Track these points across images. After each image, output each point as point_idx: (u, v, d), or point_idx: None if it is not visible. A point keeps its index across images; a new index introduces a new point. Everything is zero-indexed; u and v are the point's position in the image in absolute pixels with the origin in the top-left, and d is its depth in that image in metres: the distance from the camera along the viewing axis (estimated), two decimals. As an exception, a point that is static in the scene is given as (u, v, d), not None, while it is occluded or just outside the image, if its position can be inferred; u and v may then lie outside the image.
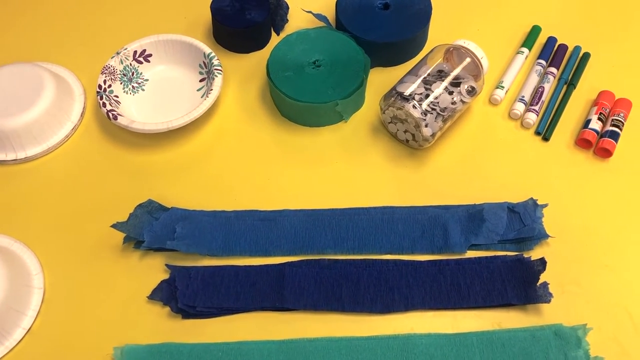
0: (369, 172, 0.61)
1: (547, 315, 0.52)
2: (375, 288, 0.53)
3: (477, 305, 0.52)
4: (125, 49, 0.66)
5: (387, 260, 0.54)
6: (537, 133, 0.64)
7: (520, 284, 0.52)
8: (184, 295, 0.52)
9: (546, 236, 0.55)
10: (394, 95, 0.61)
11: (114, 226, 0.55)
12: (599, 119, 0.63)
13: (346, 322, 0.51)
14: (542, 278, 0.52)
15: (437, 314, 0.52)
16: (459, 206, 0.57)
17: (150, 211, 0.57)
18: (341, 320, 0.51)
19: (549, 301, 0.51)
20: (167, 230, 0.55)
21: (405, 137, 0.62)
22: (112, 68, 0.65)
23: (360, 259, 0.54)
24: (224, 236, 0.55)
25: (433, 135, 0.60)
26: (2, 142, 0.61)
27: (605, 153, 0.61)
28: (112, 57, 0.65)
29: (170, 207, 0.57)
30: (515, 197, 0.58)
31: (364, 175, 0.60)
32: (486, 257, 0.54)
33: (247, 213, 0.57)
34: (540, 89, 0.66)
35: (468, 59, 0.62)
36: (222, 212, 0.57)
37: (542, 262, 0.52)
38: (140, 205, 0.56)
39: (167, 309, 0.52)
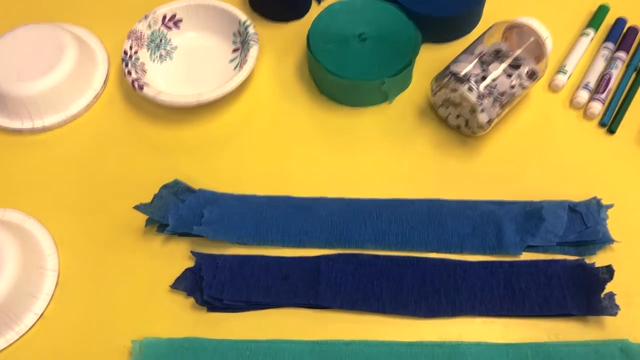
0: (414, 159, 0.56)
1: (611, 328, 0.47)
2: (419, 289, 0.49)
3: (533, 314, 0.48)
4: (154, 12, 0.61)
5: (434, 259, 0.50)
6: (602, 124, 0.58)
7: (582, 292, 0.48)
8: (210, 286, 0.48)
9: (611, 240, 0.50)
10: (448, 76, 0.55)
11: (137, 207, 0.51)
12: (674, 112, 0.57)
13: (386, 325, 0.48)
14: (607, 287, 0.47)
15: (487, 320, 0.48)
16: (514, 202, 0.53)
17: (176, 192, 0.53)
18: (381, 323, 0.48)
19: (615, 314, 0.46)
20: (194, 214, 0.51)
21: (457, 122, 0.57)
22: (139, 33, 0.60)
23: (403, 256, 0.50)
24: (254, 223, 0.52)
25: (489, 122, 0.54)
26: (19, 108, 0.57)
27: (680, 150, 0.56)
28: (139, 21, 0.61)
29: (197, 188, 0.53)
30: (577, 195, 0.53)
31: (409, 162, 0.56)
32: (544, 261, 0.50)
33: (281, 199, 0.53)
34: (606, 76, 0.60)
35: (532, 39, 0.56)
36: (253, 196, 0.53)
37: (609, 270, 0.47)
38: (165, 186, 0.52)
39: (191, 300, 0.49)
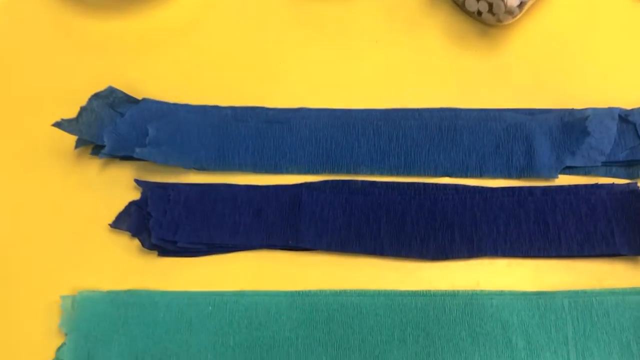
0: (422, 57, 0.47)
1: (670, 272, 0.40)
2: (427, 224, 0.41)
3: (571, 254, 0.40)
4: None
5: (446, 186, 0.43)
6: (663, 9, 0.48)
7: (635, 226, 0.40)
8: (160, 224, 0.41)
9: (672, 159, 0.43)
10: (468, -57, 0.43)
11: (57, 125, 0.42)
12: None
13: (385, 271, 0.41)
14: (667, 220, 0.40)
15: (513, 262, 0.41)
16: (549, 111, 0.45)
17: (111, 104, 0.44)
18: (378, 268, 0.41)
19: (677, 254, 0.39)
20: (137, 132, 0.43)
21: (478, 7, 0.46)
22: None
23: (408, 183, 0.43)
24: (217, 143, 0.44)
25: (520, 5, 0.44)
26: None
27: None
28: None
29: (140, 98, 0.45)
30: (630, 100, 0.44)
31: (416, 61, 0.47)
32: (586, 186, 0.42)
33: (250, 111, 0.45)
34: (671, -56, 0.48)
35: None
36: (215, 108, 0.45)
37: (672, 198, 0.40)
38: (97, 95, 0.43)
39: (137, 242, 0.41)
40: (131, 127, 0.43)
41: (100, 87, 0.44)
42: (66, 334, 0.38)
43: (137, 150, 0.41)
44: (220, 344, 0.38)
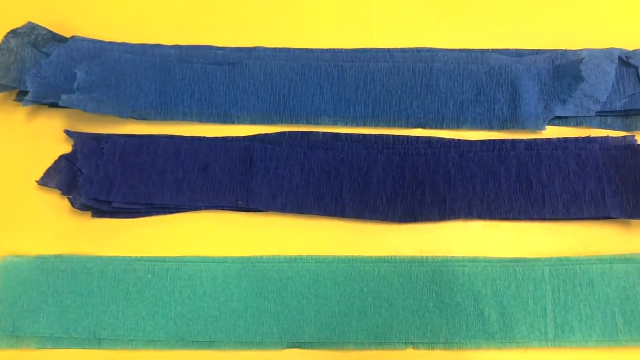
0: None
1: (664, 238, 0.38)
2: (395, 183, 0.39)
3: (555, 217, 0.38)
4: None
5: (418, 139, 0.40)
6: None
7: (629, 186, 0.38)
8: (91, 182, 0.37)
9: (676, 108, 0.39)
10: None
11: None
12: None
13: (347, 234, 0.38)
14: (665, 179, 0.37)
15: (489, 226, 0.38)
16: (539, 53, 0.42)
17: (34, 43, 0.40)
18: (340, 231, 0.38)
19: (674, 219, 0.36)
20: (65, 76, 0.40)
21: None
22: None
23: (375, 135, 0.40)
24: (158, 88, 0.41)
25: None
26: None
27: None
28: None
29: (69, 36, 0.41)
30: (632, 40, 0.41)
31: None
32: (576, 140, 0.40)
33: (197, 51, 0.42)
34: None
35: None
36: (157, 47, 0.42)
37: (671, 154, 0.37)
38: (15, 32, 0.39)
39: (68, 201, 0.38)
40: (58, 69, 0.39)
41: (19, 22, 0.39)
42: (-11, 304, 0.35)
43: (64, 97, 0.37)
44: (160, 316, 0.35)
